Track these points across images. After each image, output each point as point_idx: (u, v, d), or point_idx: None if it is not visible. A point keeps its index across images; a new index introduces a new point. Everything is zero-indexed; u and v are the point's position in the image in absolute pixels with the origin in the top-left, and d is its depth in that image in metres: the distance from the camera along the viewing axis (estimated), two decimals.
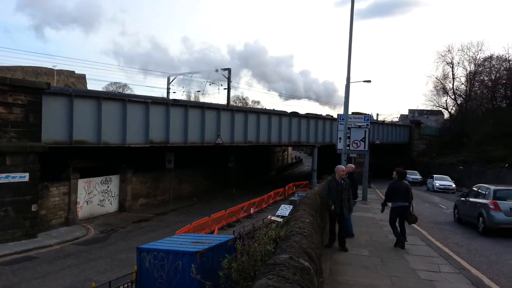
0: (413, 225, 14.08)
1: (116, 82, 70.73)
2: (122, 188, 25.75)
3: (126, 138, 21.33)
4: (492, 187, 14.80)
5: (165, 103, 24.61)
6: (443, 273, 7.92)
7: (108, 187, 24.76)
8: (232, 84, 31.40)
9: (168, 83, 33.70)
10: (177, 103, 25.93)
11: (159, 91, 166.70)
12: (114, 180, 25.31)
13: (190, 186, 33.10)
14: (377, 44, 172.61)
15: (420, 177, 41.32)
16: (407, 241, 10.17)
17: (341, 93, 52.84)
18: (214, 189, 35.21)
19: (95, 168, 23.39)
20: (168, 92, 33.86)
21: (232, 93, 40.45)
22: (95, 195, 23.76)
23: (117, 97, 22.37)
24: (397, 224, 10.15)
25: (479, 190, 15.55)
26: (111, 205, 25.03)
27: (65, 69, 62.73)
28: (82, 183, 22.49)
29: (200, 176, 34.36)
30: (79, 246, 17.15)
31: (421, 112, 73.64)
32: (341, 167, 9.75)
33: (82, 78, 67.16)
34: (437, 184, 34.14)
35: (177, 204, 28.10)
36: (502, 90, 49.23)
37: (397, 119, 71.26)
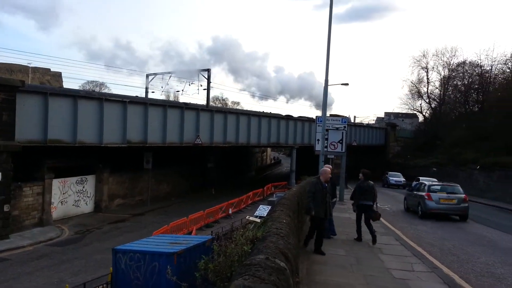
0: (387, 224, 14.63)
1: (93, 81, 69.46)
2: (98, 188, 25.31)
3: (103, 138, 21.02)
4: (428, 183, 19.57)
5: (144, 102, 24.36)
6: (416, 272, 8.14)
7: (83, 187, 24.30)
8: (210, 84, 31.30)
9: (147, 83, 33.34)
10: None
11: (137, 90, 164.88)
12: (90, 180, 24.86)
13: (169, 187, 32.83)
14: (355, 47, 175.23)
15: (404, 179, 38.96)
16: (375, 234, 10.63)
17: (318, 91, 53.18)
18: (193, 190, 35.03)
19: (71, 168, 22.93)
20: (146, 92, 33.48)
21: (211, 94, 40.28)
22: (70, 195, 23.28)
23: (94, 96, 21.99)
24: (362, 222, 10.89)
25: (420, 185, 19.92)
26: (86, 206, 24.58)
27: (41, 66, 61.19)
28: (56, 183, 22.00)
29: (179, 176, 34.12)
30: (53, 247, 16.77)
31: (397, 115, 75.16)
32: (328, 169, 9.60)
33: (58, 76, 65.61)
34: None
35: (155, 205, 27.84)
36: (474, 94, 50.75)
37: (373, 122, 72.50)
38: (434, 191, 18.16)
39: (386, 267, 8.43)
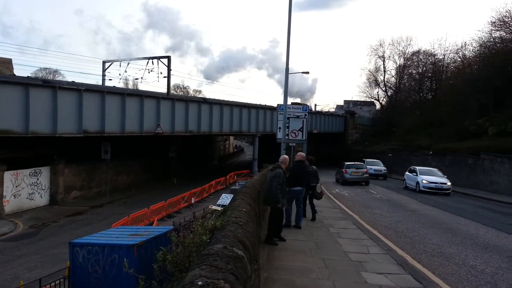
0: (346, 209, 15.14)
1: (46, 68, 65.99)
2: (53, 180, 24.40)
3: (57, 128, 20.22)
4: (346, 163, 28.82)
5: (100, 90, 23.58)
6: (371, 254, 8.49)
7: (37, 179, 23.33)
8: (171, 71, 30.69)
9: (104, 70, 32.15)
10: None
11: (94, 78, 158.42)
12: (45, 172, 23.90)
13: (129, 177, 32.15)
14: (315, 35, 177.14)
15: (384, 168, 34.16)
16: (317, 212, 12.52)
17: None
18: (154, 180, 34.52)
19: (24, 160, 21.92)
20: (103, 79, 32.30)
21: (172, 82, 39.56)
22: (24, 188, 22.30)
23: (47, 84, 21.03)
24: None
25: (342, 164, 28.74)
26: (41, 199, 23.66)
27: None
28: (8, 176, 21.00)
29: (139, 166, 33.47)
30: (6, 243, 16.07)
31: (355, 102, 77.14)
32: (287, 157, 10.02)
33: (8, 63, 61.74)
34: (424, 182, 23.76)
35: (114, 196, 27.23)
36: (428, 82, 52.98)
37: (333, 110, 74.09)
38: (349, 168, 28.02)
39: (343, 250, 8.74)
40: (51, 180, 24.31)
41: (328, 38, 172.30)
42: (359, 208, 16.28)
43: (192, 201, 23.84)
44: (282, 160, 9.51)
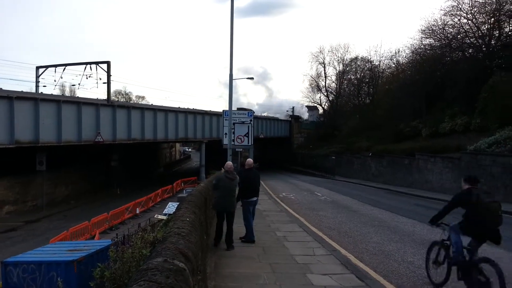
0: (292, 212, 15.42)
1: None
2: None
3: None
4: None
5: (34, 98, 22.22)
6: (317, 256, 8.70)
7: None
8: (111, 77, 29.60)
9: (37, 76, 30.27)
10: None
11: (27, 85, 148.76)
12: None
13: (67, 189, 30.52)
14: (259, 41, 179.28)
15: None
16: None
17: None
18: (96, 191, 33.05)
19: None
20: (37, 86, 30.39)
21: (113, 88, 38.22)
22: None
23: None
24: None
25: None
26: None
27: None
28: None
29: (79, 177, 31.89)
30: None
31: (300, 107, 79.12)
32: (230, 162, 10.10)
33: None
34: None
35: (51, 210, 25.72)
36: (366, 87, 55.66)
37: (279, 115, 75.44)
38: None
39: (290, 253, 8.88)
40: None
41: (272, 44, 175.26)
42: (305, 211, 16.61)
43: (137, 212, 23.10)
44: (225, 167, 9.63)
